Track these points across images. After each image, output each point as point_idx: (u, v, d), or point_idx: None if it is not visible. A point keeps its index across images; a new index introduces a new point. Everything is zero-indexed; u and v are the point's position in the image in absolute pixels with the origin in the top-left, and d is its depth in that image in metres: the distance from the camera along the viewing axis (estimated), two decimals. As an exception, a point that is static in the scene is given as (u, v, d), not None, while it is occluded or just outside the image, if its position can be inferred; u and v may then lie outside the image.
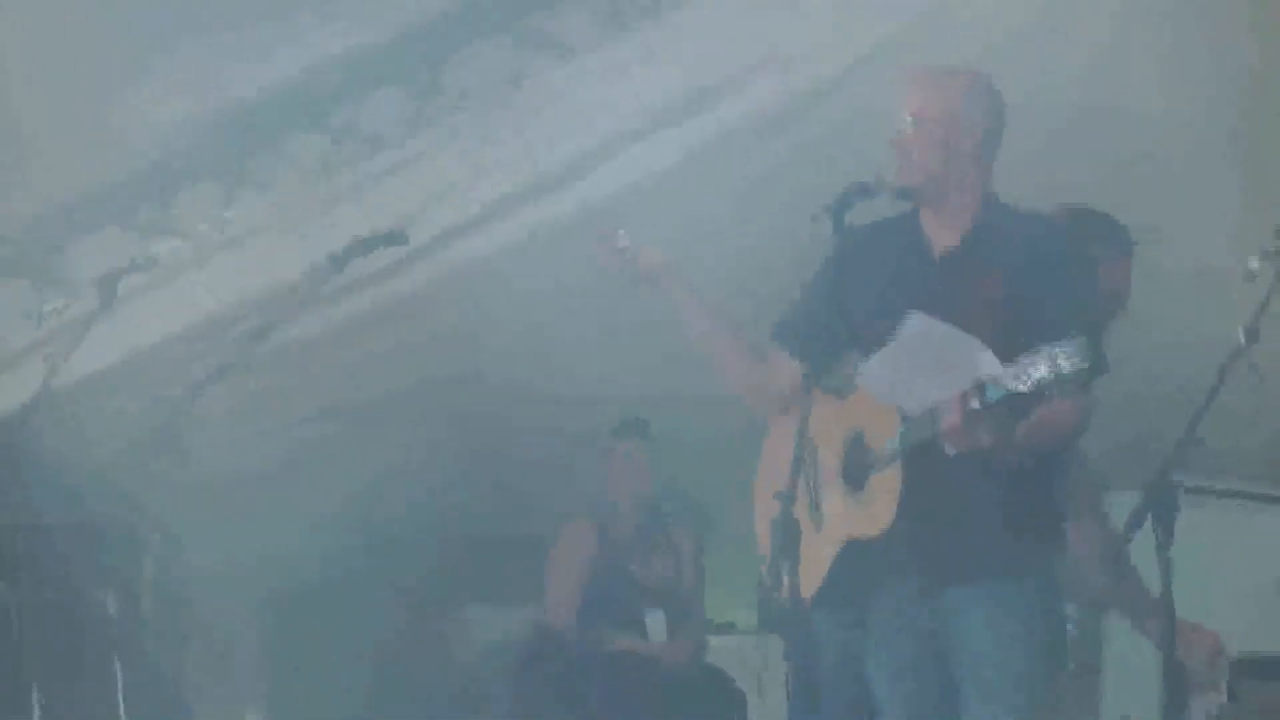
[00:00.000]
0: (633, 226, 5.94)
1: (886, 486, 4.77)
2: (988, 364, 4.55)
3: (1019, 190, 5.03)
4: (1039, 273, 4.81)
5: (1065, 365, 4.43)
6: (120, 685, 6.23)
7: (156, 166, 6.73)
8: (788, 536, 4.52)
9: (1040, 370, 4.45)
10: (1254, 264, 4.84)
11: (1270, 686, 5.80)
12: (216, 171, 6.78)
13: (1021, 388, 4.47)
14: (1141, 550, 5.15)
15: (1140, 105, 6.24)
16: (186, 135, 6.69)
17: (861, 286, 4.92)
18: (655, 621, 7.53)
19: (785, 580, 4.55)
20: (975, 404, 4.54)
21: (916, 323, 4.69)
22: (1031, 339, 4.53)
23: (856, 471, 4.85)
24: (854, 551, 4.84)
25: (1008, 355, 4.51)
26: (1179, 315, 6.17)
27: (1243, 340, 4.81)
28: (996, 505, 4.71)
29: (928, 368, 4.68)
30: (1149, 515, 4.97)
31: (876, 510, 4.80)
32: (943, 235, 4.88)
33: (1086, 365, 4.42)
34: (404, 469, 7.72)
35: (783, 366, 5.06)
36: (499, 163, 6.60)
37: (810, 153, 6.28)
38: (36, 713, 6.07)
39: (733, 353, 5.21)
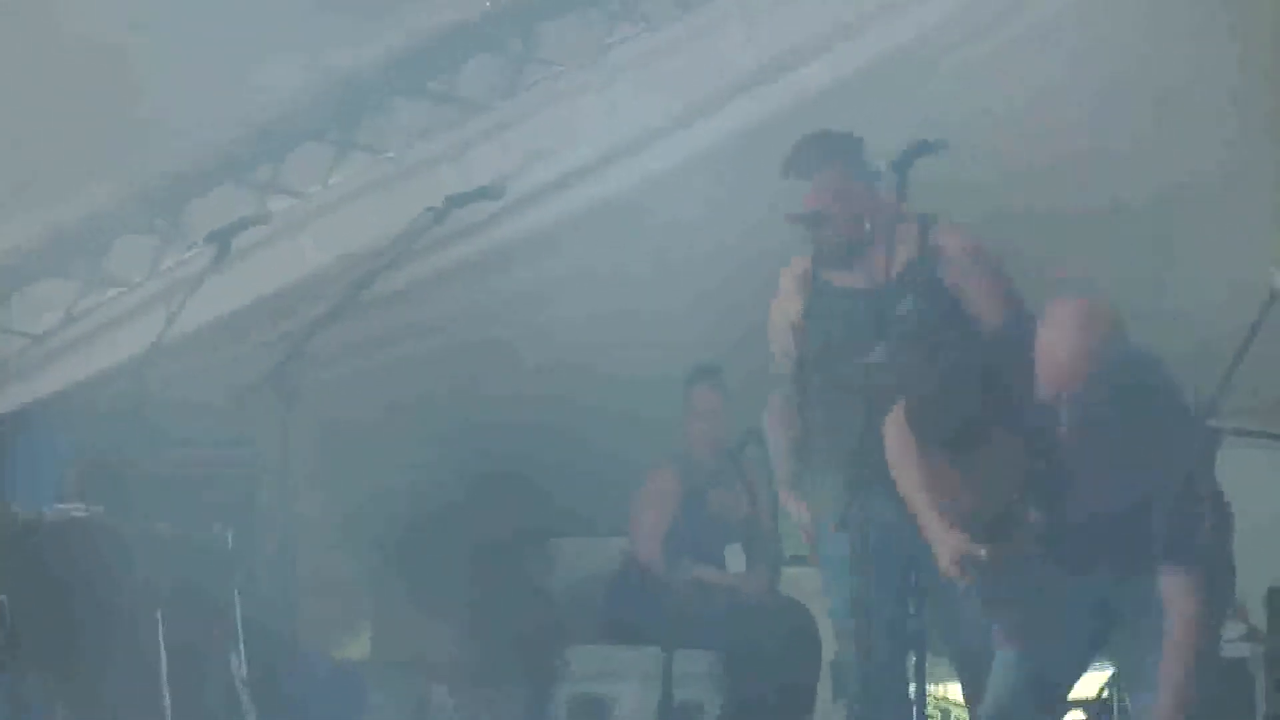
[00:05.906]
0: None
1: None
2: None
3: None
4: None
5: None
6: (239, 615, 6.10)
7: (270, 129, 6.83)
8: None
9: None
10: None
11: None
12: (325, 134, 6.89)
13: None
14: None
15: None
16: (298, 100, 6.76)
17: None
18: (734, 554, 7.67)
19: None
20: None
21: None
22: None
23: None
24: None
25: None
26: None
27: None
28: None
29: None
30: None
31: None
32: None
33: None
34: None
35: None
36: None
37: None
38: (162, 644, 5.89)
39: None
